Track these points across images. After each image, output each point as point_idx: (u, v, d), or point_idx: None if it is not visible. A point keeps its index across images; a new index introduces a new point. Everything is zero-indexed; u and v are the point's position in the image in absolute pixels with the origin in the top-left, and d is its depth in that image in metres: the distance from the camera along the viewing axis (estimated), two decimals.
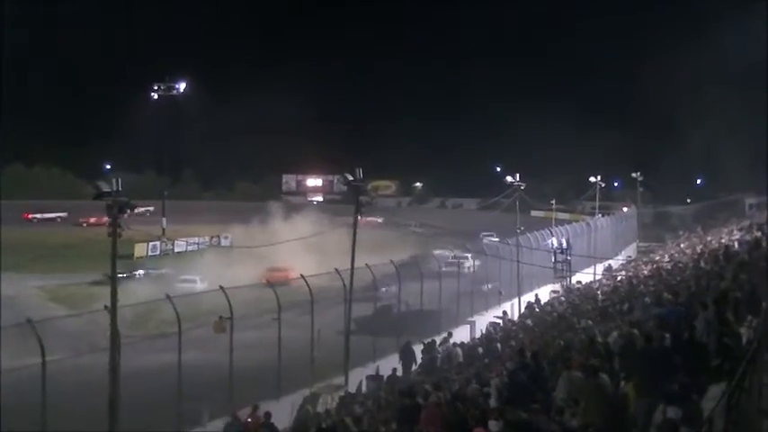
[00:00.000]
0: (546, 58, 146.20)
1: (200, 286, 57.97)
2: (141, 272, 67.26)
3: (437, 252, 58.65)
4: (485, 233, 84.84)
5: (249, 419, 28.54)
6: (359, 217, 41.22)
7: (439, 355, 36.87)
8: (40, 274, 66.59)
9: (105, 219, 29.36)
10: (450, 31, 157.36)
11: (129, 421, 28.31)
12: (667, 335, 19.34)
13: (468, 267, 56.62)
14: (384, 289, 47.97)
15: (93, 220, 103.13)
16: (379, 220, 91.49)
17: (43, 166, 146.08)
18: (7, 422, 28.17)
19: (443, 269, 50.96)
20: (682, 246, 74.00)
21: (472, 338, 43.25)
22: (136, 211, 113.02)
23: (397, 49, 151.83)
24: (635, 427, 14.27)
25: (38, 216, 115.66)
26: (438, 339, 40.22)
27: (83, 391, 31.41)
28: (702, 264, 43.06)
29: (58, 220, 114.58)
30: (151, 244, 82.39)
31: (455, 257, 56.64)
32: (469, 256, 58.93)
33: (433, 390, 22.56)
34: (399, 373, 36.65)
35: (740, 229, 59.03)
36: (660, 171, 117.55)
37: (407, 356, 38.42)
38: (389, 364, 38.18)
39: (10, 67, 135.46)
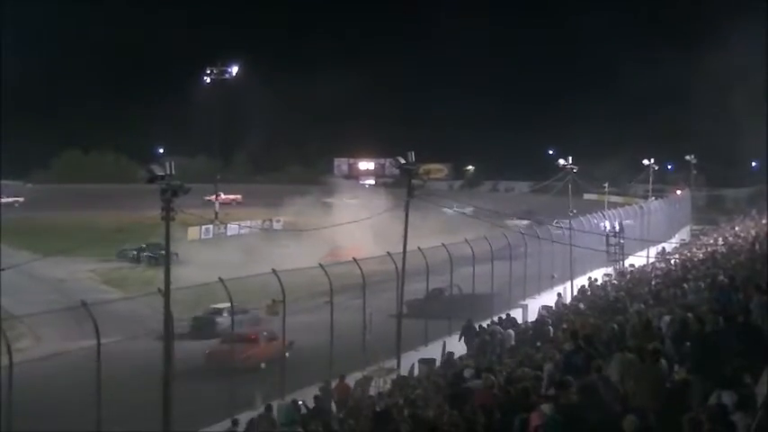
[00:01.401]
0: (599, 43, 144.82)
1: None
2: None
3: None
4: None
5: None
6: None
7: (489, 339, 36.79)
8: (91, 258, 67.37)
9: None
10: (504, 15, 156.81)
11: (183, 403, 28.53)
12: (721, 319, 19.18)
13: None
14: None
15: None
16: None
17: (98, 151, 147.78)
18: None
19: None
20: (736, 229, 73.40)
21: (524, 322, 43.13)
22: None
23: (449, 32, 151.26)
24: (687, 412, 14.16)
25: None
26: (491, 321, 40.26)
27: (137, 374, 31.74)
28: (757, 247, 42.73)
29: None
30: (204, 227, 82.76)
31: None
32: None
33: (485, 373, 22.54)
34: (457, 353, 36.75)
35: None
36: (714, 154, 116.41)
37: (470, 335, 38.48)
38: (439, 348, 38.20)
39: (64, 54, 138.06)
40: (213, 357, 36.21)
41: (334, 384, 30.84)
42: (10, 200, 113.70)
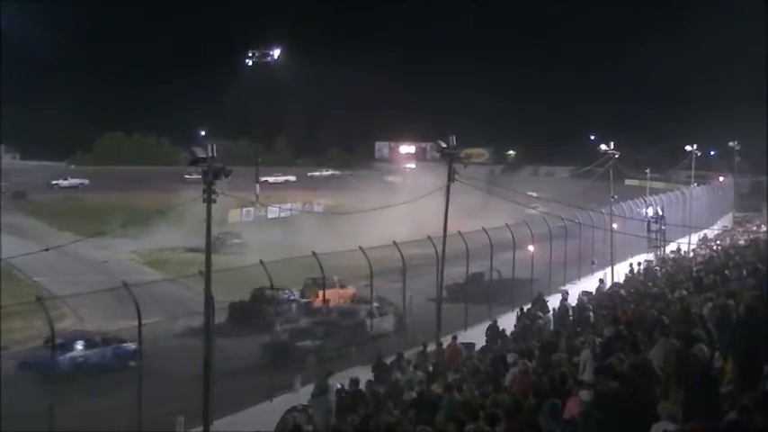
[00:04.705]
0: (641, 29, 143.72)
1: None
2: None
3: None
4: None
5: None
6: None
7: (528, 323, 36.73)
8: (134, 239, 67.67)
9: None
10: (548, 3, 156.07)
11: (223, 385, 28.65)
12: (764, 305, 19.00)
13: None
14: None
15: None
16: None
17: (140, 133, 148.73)
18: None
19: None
20: None
21: (563, 307, 42.97)
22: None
23: (490, 18, 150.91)
24: (730, 399, 14.03)
25: None
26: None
27: (177, 355, 31.97)
28: None
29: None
30: (245, 210, 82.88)
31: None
32: None
33: (522, 360, 22.51)
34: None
35: None
36: (758, 139, 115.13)
37: (543, 306, 38.71)
38: (478, 333, 38.11)
39: (107, 37, 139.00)
40: None
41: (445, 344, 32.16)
42: (76, 182, 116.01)
